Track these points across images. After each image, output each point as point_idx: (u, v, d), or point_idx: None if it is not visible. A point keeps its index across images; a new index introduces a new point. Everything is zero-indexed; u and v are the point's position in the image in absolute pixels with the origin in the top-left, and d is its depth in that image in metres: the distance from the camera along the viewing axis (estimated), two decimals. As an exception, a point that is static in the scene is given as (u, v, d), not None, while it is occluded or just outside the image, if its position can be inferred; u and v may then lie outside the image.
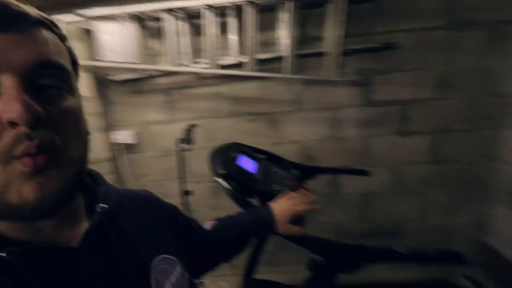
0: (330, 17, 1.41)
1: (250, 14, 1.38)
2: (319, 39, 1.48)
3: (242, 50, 1.50)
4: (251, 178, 1.01)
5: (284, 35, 1.45)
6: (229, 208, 0.78)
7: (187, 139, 1.22)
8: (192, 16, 1.46)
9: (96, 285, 0.33)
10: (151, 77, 1.62)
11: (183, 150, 1.24)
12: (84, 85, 1.51)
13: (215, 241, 0.62)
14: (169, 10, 1.40)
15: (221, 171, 0.93)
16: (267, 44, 1.51)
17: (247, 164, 1.11)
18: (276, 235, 0.76)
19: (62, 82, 0.31)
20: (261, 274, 1.56)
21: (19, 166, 0.28)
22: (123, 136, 1.70)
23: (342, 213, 1.76)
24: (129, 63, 1.50)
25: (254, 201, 0.94)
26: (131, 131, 1.70)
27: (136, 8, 1.40)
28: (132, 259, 0.37)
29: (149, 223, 0.45)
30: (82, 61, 0.43)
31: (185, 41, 1.50)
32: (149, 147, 1.75)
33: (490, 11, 1.42)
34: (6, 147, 0.27)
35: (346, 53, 1.46)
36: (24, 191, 0.28)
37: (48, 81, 0.30)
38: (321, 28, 1.46)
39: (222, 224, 0.67)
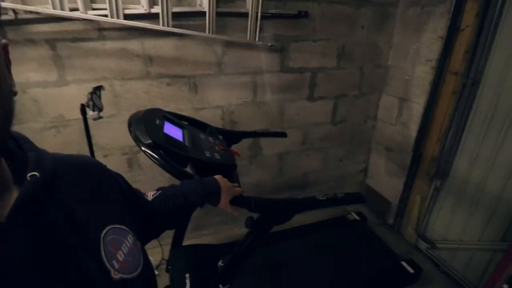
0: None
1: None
2: (241, -2, 1.41)
3: (154, -1, 1.28)
4: (181, 146, 0.96)
5: (203, -12, 1.31)
6: (149, 180, 0.73)
7: (93, 104, 1.00)
8: None
9: (36, 264, 0.29)
10: (20, 21, 1.20)
11: (89, 119, 1.02)
12: None
13: (159, 211, 0.60)
14: None
15: (148, 142, 0.83)
16: (185, -4, 1.34)
17: (174, 131, 1.03)
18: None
19: None
20: (189, 239, 1.57)
21: None
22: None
23: (262, 172, 1.91)
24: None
25: (188, 170, 0.90)
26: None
27: None
28: (77, 231, 0.34)
29: (94, 191, 0.40)
30: None
31: (73, -24, 1.15)
32: (30, 117, 1.36)
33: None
34: None
35: (265, 17, 1.46)
36: None
37: None
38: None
39: (165, 193, 0.64)
